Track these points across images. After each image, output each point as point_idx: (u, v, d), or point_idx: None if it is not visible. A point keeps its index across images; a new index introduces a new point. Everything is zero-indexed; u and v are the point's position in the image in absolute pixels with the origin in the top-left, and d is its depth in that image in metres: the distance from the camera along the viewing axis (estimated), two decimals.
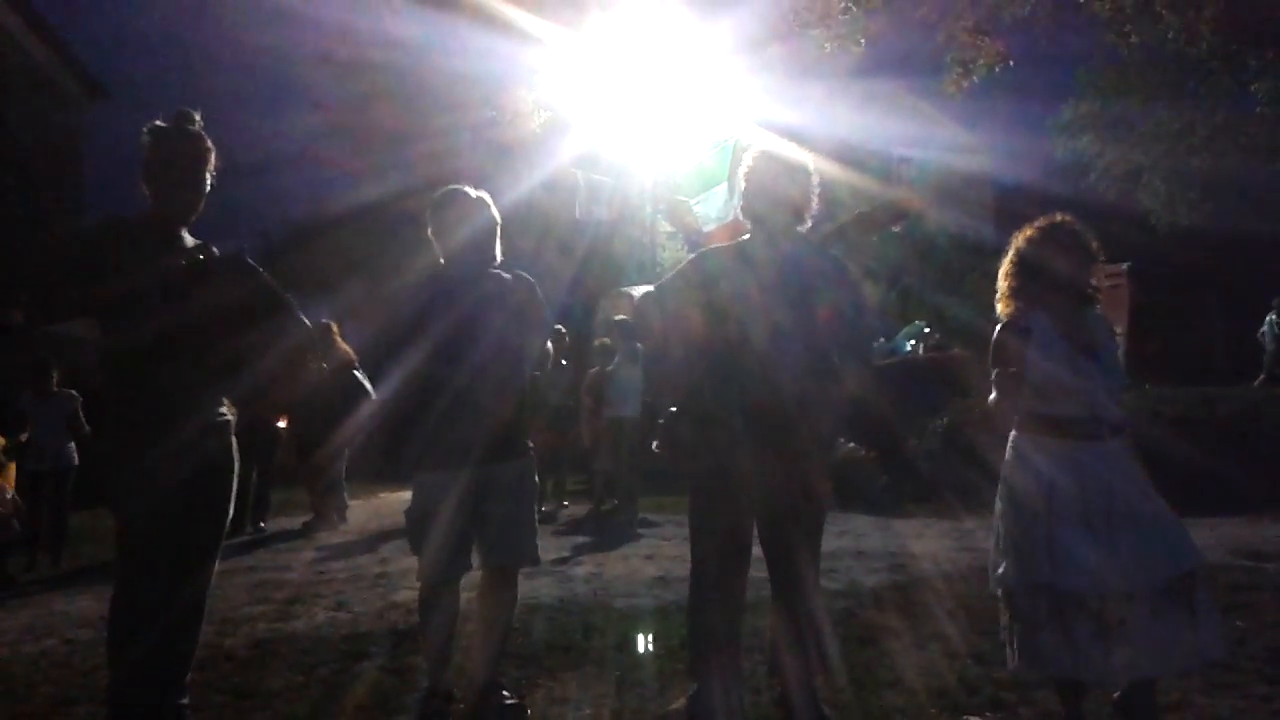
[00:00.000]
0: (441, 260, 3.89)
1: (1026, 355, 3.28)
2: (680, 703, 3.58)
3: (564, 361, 10.59)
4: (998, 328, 3.44)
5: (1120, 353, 3.37)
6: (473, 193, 3.87)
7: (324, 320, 10.00)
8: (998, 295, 3.50)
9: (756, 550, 3.54)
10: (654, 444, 3.78)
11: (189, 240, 3.29)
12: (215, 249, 3.35)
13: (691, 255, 3.88)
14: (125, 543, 3.15)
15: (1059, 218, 3.43)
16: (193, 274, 3.17)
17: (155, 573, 3.10)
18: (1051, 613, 3.17)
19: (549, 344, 4.17)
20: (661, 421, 3.73)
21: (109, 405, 3.23)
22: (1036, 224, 3.45)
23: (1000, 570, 3.33)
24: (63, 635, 5.42)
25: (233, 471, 3.38)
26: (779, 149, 3.70)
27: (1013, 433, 3.42)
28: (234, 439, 3.40)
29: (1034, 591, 3.21)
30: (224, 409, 3.36)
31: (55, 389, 9.17)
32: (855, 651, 4.41)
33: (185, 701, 3.31)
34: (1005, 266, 3.49)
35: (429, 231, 3.87)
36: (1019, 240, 3.47)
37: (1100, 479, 3.19)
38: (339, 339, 9.91)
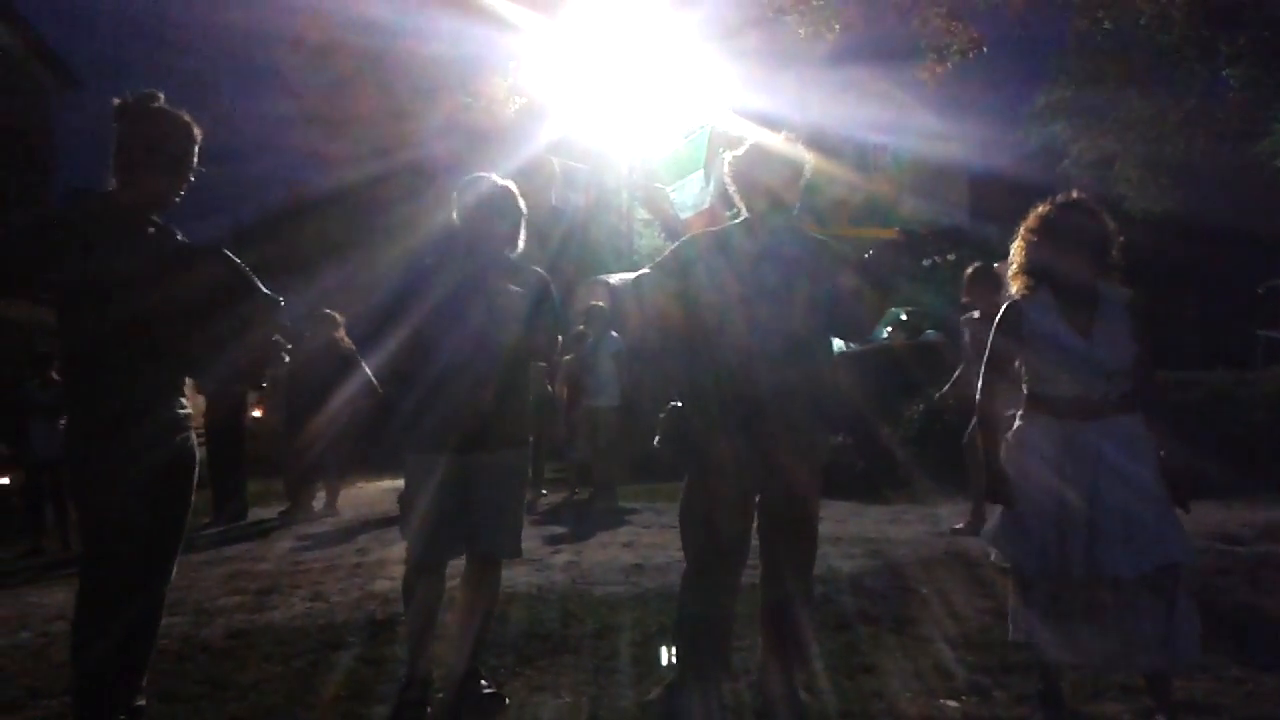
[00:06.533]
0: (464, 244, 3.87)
1: (1023, 328, 3.30)
2: (658, 691, 3.58)
3: None
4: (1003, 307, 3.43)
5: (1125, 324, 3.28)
6: (499, 181, 3.84)
7: (330, 312, 9.91)
8: (1010, 271, 3.46)
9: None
10: (655, 440, 3.72)
11: (155, 227, 3.19)
12: (180, 235, 3.28)
13: (671, 244, 3.83)
14: (92, 539, 3.11)
15: (1062, 199, 3.35)
16: (160, 264, 3.09)
17: (123, 570, 3.07)
18: (1046, 592, 3.21)
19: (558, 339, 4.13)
20: (661, 416, 3.68)
21: (73, 400, 3.17)
22: (1045, 204, 3.37)
23: (996, 545, 3.36)
24: (36, 628, 5.37)
25: (195, 466, 3.35)
26: (768, 140, 3.68)
27: (1019, 411, 3.42)
28: (193, 434, 3.36)
29: (1026, 571, 3.26)
30: (184, 401, 3.32)
31: (56, 378, 9.25)
32: (831, 637, 4.43)
33: (142, 703, 3.29)
34: (1016, 243, 3.43)
35: (454, 214, 3.85)
36: (1027, 221, 3.40)
37: (1091, 460, 3.17)
38: (343, 333, 9.78)
